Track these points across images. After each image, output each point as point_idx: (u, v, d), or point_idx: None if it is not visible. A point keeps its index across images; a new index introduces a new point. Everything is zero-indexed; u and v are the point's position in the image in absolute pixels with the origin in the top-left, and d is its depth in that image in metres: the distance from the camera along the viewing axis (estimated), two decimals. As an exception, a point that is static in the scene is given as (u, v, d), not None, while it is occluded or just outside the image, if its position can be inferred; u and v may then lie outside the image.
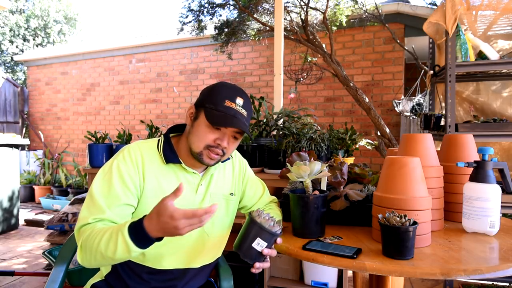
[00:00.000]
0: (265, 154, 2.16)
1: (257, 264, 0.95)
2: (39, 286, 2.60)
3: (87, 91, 6.78)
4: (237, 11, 4.32)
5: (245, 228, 0.95)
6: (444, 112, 2.29)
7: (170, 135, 1.18)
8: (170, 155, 1.11)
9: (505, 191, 1.17)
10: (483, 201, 1.08)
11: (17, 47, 10.17)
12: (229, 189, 1.24)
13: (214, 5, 4.24)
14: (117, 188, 1.02)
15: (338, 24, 4.04)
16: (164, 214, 0.83)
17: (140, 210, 1.07)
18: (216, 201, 1.19)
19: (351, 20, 4.33)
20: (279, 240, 0.98)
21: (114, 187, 1.02)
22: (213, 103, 1.06)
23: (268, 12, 4.25)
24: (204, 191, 1.17)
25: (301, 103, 4.93)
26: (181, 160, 1.12)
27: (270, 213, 1.17)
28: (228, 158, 1.25)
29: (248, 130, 1.08)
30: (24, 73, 10.20)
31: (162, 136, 1.17)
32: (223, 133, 1.07)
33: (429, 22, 2.31)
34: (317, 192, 1.09)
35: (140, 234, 0.86)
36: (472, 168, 1.13)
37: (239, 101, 1.08)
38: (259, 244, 0.92)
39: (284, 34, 3.25)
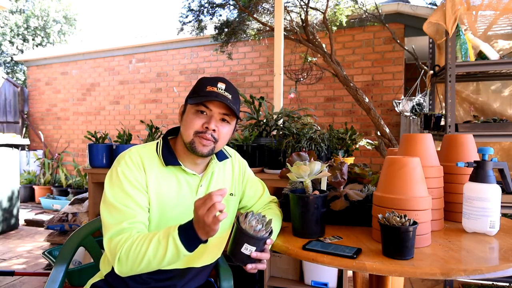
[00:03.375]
0: (265, 154, 2.16)
1: (249, 266, 0.94)
2: (39, 286, 2.60)
3: (87, 91, 6.78)
4: (237, 11, 4.31)
5: (233, 233, 0.94)
6: (444, 112, 2.29)
7: (168, 137, 1.18)
8: (169, 158, 1.11)
9: (505, 191, 1.17)
10: (483, 201, 1.08)
11: (17, 47, 10.17)
12: (228, 189, 1.23)
13: (214, 5, 4.23)
14: (131, 193, 1.03)
15: (338, 24, 4.04)
16: (194, 211, 0.90)
17: None
18: None
19: (351, 20, 4.32)
20: (269, 241, 0.96)
21: (129, 193, 1.03)
22: (196, 92, 1.09)
23: (268, 12, 4.25)
24: (204, 192, 1.17)
25: (301, 103, 4.93)
26: (180, 162, 1.12)
27: (264, 212, 1.16)
28: (227, 157, 1.25)
29: (236, 110, 1.09)
30: (24, 73, 10.20)
31: (161, 139, 1.17)
32: (209, 116, 1.08)
33: (429, 22, 2.31)
34: (317, 192, 1.09)
35: (191, 235, 0.91)
36: (472, 168, 1.13)
37: (221, 85, 1.09)
38: (247, 249, 0.92)
39: (284, 34, 3.25)
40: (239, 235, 0.92)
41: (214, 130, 1.08)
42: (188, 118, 1.09)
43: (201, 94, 1.07)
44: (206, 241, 0.93)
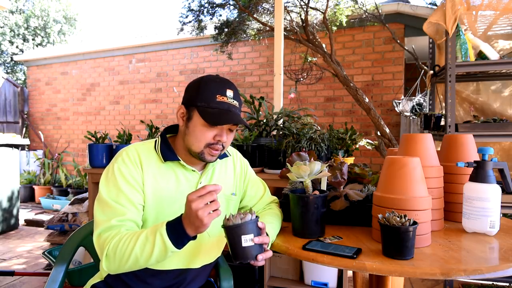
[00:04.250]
0: (265, 154, 2.16)
1: (260, 256, 0.92)
2: (39, 286, 2.60)
3: (87, 91, 6.79)
4: (237, 11, 4.32)
5: (227, 238, 0.94)
6: (444, 112, 2.29)
7: (166, 135, 1.18)
8: (168, 153, 1.12)
9: (505, 191, 1.17)
10: (483, 201, 1.08)
11: (17, 47, 10.17)
12: (230, 189, 1.24)
13: (214, 5, 4.23)
14: (125, 190, 1.03)
15: (338, 24, 4.04)
16: (186, 205, 0.88)
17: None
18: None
19: (351, 20, 4.33)
20: (261, 224, 0.95)
21: (122, 190, 1.03)
22: (205, 100, 1.06)
23: (268, 12, 4.25)
24: (204, 190, 1.16)
25: (301, 103, 4.93)
26: (179, 158, 1.13)
27: (264, 212, 1.18)
28: (226, 155, 1.25)
29: (244, 121, 1.09)
30: (24, 73, 10.19)
31: (159, 136, 1.17)
32: (220, 128, 1.08)
33: (429, 22, 2.31)
34: (317, 192, 1.09)
35: (180, 231, 0.89)
36: (472, 168, 1.13)
37: (230, 93, 1.08)
38: (247, 240, 0.91)
39: (284, 34, 3.25)
40: (232, 234, 0.92)
41: (224, 142, 1.10)
42: (197, 129, 1.07)
43: (212, 105, 1.05)
44: (194, 238, 0.92)
